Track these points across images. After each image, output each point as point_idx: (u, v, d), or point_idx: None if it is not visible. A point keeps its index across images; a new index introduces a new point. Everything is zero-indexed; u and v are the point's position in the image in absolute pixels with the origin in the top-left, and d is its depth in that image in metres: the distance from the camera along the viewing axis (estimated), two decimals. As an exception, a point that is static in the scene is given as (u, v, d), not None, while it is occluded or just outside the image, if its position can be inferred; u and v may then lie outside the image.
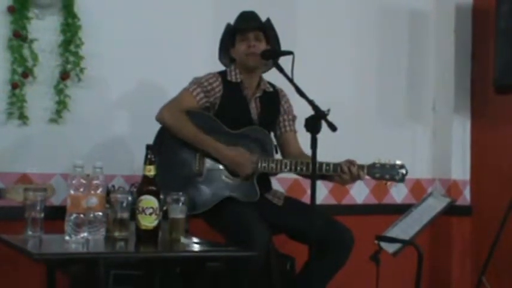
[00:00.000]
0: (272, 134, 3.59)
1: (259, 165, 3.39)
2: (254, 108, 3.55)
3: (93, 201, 2.81)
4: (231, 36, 3.56)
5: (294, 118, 3.65)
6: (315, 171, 2.87)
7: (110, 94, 3.97)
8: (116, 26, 3.93)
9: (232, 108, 3.49)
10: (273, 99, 3.62)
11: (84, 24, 3.83)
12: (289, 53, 3.35)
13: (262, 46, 3.50)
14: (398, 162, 3.34)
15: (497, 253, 4.22)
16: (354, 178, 3.34)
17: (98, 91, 3.91)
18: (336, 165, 3.33)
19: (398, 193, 4.71)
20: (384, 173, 3.34)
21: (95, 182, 2.83)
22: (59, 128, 3.84)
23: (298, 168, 3.37)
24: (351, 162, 3.32)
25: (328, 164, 3.32)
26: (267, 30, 3.55)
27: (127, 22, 3.97)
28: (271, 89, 3.62)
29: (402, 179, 3.35)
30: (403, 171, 3.34)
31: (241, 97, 3.53)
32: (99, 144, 3.90)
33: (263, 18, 3.56)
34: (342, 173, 3.32)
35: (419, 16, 4.87)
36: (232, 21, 3.58)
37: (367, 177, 3.36)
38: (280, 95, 3.65)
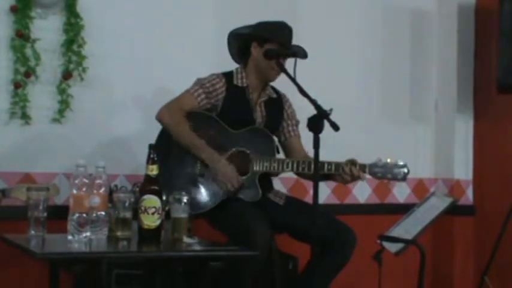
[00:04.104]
0: (276, 139, 3.57)
1: (262, 165, 3.39)
2: (259, 112, 3.54)
3: (96, 200, 2.81)
4: (261, 37, 3.46)
5: (297, 123, 3.64)
6: (317, 170, 2.87)
7: (113, 94, 3.97)
8: (118, 25, 3.93)
9: (236, 111, 3.48)
10: (277, 104, 3.61)
11: (86, 23, 3.83)
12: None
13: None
14: (400, 161, 3.34)
15: (500, 253, 4.21)
16: (355, 178, 3.34)
17: (101, 91, 3.91)
18: (337, 164, 3.33)
19: (400, 193, 4.70)
20: (386, 172, 3.33)
21: (98, 181, 2.84)
22: (61, 127, 3.84)
23: (300, 167, 3.37)
24: (352, 163, 3.32)
25: (330, 164, 3.32)
26: None
27: (129, 21, 3.97)
28: (275, 95, 3.61)
29: (404, 178, 3.34)
30: (405, 170, 3.33)
31: (245, 101, 3.51)
32: (101, 144, 3.90)
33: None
34: (344, 174, 3.32)
35: (422, 16, 4.86)
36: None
37: (368, 176, 3.36)
38: (284, 100, 3.64)
